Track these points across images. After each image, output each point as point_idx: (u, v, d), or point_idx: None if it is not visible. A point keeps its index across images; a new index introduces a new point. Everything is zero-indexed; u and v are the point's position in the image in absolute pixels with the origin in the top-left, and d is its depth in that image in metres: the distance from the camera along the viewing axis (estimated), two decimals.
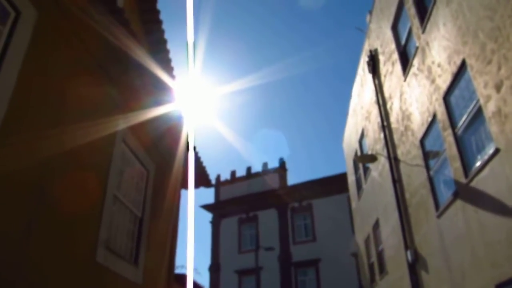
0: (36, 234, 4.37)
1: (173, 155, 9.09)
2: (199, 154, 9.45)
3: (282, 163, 31.42)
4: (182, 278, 8.91)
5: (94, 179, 5.88)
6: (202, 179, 10.19)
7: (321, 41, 76.76)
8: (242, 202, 30.20)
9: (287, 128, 79.35)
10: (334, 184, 27.44)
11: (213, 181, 32.39)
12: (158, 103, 7.66)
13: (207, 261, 29.68)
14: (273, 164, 31.66)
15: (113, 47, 6.18)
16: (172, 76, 7.16)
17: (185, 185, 10.29)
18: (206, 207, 30.94)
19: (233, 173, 32.37)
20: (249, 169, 32.15)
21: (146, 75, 7.05)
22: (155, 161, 8.33)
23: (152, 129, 8.04)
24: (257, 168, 32.70)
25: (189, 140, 8.83)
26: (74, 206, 5.17)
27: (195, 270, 23.75)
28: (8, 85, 4.15)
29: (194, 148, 9.14)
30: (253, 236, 28.29)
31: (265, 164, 31.74)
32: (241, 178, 31.86)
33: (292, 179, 66.14)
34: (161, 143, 8.55)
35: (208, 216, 36.34)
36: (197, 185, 10.44)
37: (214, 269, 28.46)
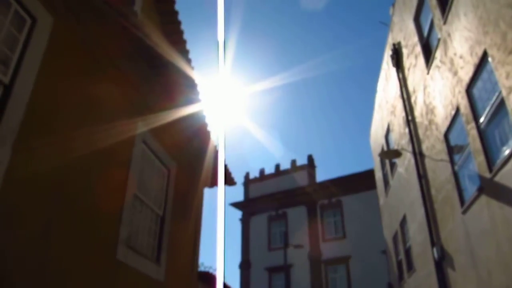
0: (57, 233, 4.53)
1: (195, 154, 9.20)
2: (224, 155, 9.49)
3: (311, 160, 31.24)
4: (207, 276, 9.02)
5: (114, 179, 6.02)
6: (225, 177, 10.25)
7: (350, 39, 75.73)
8: (271, 199, 30.22)
9: (316, 126, 78.78)
10: (363, 181, 27.06)
11: (243, 179, 32.57)
12: (178, 103, 7.79)
13: (236, 259, 29.91)
14: (302, 161, 31.52)
15: (131, 49, 6.33)
16: (192, 76, 7.22)
17: (208, 184, 10.40)
18: (236, 205, 31.14)
19: (262, 171, 32.43)
20: (277, 166, 32.14)
21: (165, 75, 7.18)
22: (176, 160, 8.45)
23: (174, 128, 8.16)
24: (285, 165, 32.70)
25: (214, 139, 8.92)
26: (94, 205, 5.33)
27: (210, 268, 23.90)
28: (26, 90, 4.30)
29: (217, 147, 9.22)
30: (282, 234, 28.27)
31: (293, 161, 31.64)
32: (270, 176, 31.89)
33: (321, 176, 65.74)
34: (183, 142, 8.67)
35: (238, 213, 36.58)
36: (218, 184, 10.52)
37: (245, 266, 28.62)
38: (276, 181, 31.30)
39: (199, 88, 7.42)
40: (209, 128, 8.59)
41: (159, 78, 7.20)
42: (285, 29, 79.01)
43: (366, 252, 25.07)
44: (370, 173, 26.19)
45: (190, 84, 7.26)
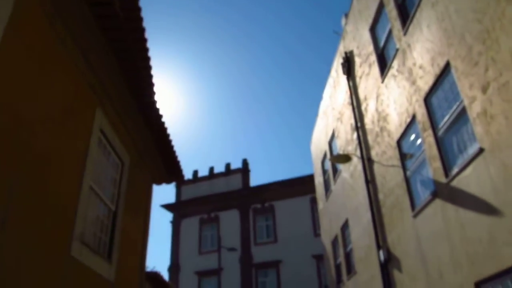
0: (9, 228, 3.98)
1: (147, 148, 8.74)
2: (174, 148, 9.09)
3: (245, 164, 31.30)
4: (155, 277, 8.55)
5: (70, 169, 5.51)
6: (175, 173, 9.85)
7: (294, 47, 77.52)
8: (204, 202, 29.81)
9: (253, 131, 79.48)
10: (297, 186, 27.64)
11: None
12: (136, 95, 7.32)
13: (167, 261, 28.96)
14: (237, 165, 31.46)
15: (93, 30, 5.81)
16: (150, 71, 6.80)
17: (157, 180, 9.93)
18: (167, 206, 30.30)
19: (195, 173, 31.90)
20: (211, 169, 31.80)
21: (126, 62, 6.69)
22: (130, 153, 7.96)
23: (129, 119, 7.68)
24: (220, 168, 32.42)
25: (163, 134, 8.50)
26: (50, 196, 4.81)
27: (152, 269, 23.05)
28: None
29: (169, 143, 8.82)
30: (214, 237, 27.95)
31: (228, 165, 31.49)
32: (203, 178, 31.47)
33: (255, 180, 66.33)
34: (137, 135, 8.18)
35: (169, 216, 35.60)
36: (170, 180, 10.09)
37: (174, 269, 27.89)
38: (210, 184, 30.95)
39: (155, 81, 7.05)
40: (162, 122, 8.17)
41: (120, 64, 6.68)
42: (226, 31, 79.04)
43: (297, 257, 25.51)
44: (304, 179, 26.81)
45: (149, 75, 6.84)
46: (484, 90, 6.03)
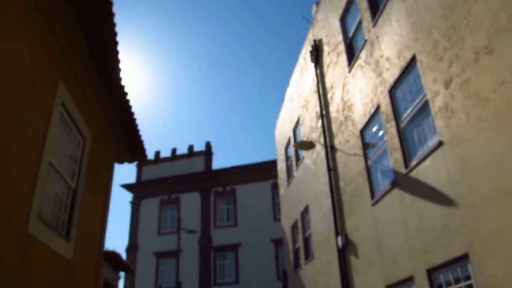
0: None
1: (110, 126, 8.54)
2: (138, 127, 8.89)
3: (209, 147, 31.16)
4: (113, 256, 8.43)
5: (29, 143, 5.31)
6: (138, 152, 9.67)
7: (262, 33, 77.04)
8: (165, 183, 29.55)
9: (218, 114, 78.96)
10: (259, 171, 27.85)
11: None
12: (101, 71, 7.09)
13: (125, 242, 28.52)
14: (200, 147, 31.27)
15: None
16: (117, 46, 6.60)
17: (119, 159, 9.74)
18: (127, 186, 29.82)
19: (157, 154, 31.48)
20: (174, 150, 31.47)
21: (92, 40, 6.45)
22: (92, 129, 7.75)
23: (93, 95, 7.46)
24: (182, 150, 32.15)
25: (127, 112, 8.30)
26: (6, 171, 4.63)
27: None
28: None
29: (133, 121, 8.63)
30: (174, 219, 27.81)
31: (191, 147, 31.26)
32: (166, 159, 31.12)
33: (218, 163, 66.24)
34: (100, 112, 7.97)
35: (129, 196, 35.08)
36: (132, 159, 9.91)
37: (132, 250, 27.63)
38: (172, 165, 30.66)
39: (121, 57, 6.87)
40: (127, 99, 7.98)
41: (86, 38, 6.44)
42: (195, 13, 77.55)
43: (256, 241, 25.83)
44: (266, 164, 27.01)
45: (115, 50, 6.64)
46: (447, 85, 6.23)
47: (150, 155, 31.57)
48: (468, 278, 5.69)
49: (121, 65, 6.98)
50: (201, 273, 26.30)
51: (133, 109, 8.20)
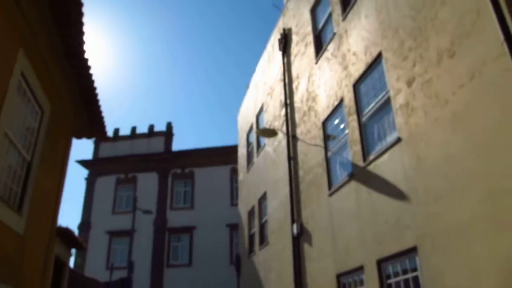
0: None
1: (70, 100, 8.27)
2: (100, 103, 8.64)
3: (169, 128, 30.76)
4: (66, 232, 8.23)
5: None
6: (97, 128, 9.42)
7: (227, 13, 76.07)
8: (123, 162, 28.99)
9: (180, 96, 77.79)
10: (219, 155, 27.84)
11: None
12: (64, 42, 6.82)
13: (78, 219, 27.75)
14: (160, 127, 30.81)
15: None
16: (82, 18, 6.37)
17: (77, 134, 9.46)
18: (83, 162, 29.01)
19: (116, 131, 30.74)
20: (134, 129, 30.85)
21: (56, 10, 6.18)
22: (51, 102, 7.48)
23: (54, 66, 7.18)
24: (142, 129, 31.57)
25: (89, 86, 8.06)
26: None
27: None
28: None
29: (95, 96, 8.39)
30: (129, 198, 27.37)
31: (151, 126, 30.75)
32: (124, 137, 30.46)
33: (178, 145, 65.47)
34: (61, 85, 7.69)
35: (84, 172, 34.15)
36: (91, 135, 9.66)
37: (84, 227, 27.04)
38: (130, 143, 30.08)
39: (86, 30, 6.64)
40: (89, 73, 7.74)
41: (50, 7, 6.17)
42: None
43: (212, 224, 25.91)
44: (226, 149, 27.02)
45: (80, 22, 6.41)
46: (409, 84, 6.44)
47: (109, 132, 30.84)
48: (415, 270, 5.98)
49: (85, 38, 6.76)
50: (155, 254, 26.15)
51: (96, 84, 7.98)
